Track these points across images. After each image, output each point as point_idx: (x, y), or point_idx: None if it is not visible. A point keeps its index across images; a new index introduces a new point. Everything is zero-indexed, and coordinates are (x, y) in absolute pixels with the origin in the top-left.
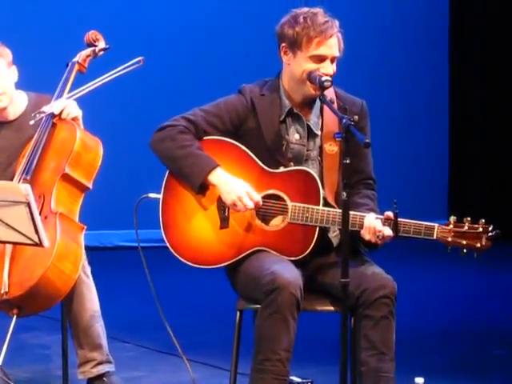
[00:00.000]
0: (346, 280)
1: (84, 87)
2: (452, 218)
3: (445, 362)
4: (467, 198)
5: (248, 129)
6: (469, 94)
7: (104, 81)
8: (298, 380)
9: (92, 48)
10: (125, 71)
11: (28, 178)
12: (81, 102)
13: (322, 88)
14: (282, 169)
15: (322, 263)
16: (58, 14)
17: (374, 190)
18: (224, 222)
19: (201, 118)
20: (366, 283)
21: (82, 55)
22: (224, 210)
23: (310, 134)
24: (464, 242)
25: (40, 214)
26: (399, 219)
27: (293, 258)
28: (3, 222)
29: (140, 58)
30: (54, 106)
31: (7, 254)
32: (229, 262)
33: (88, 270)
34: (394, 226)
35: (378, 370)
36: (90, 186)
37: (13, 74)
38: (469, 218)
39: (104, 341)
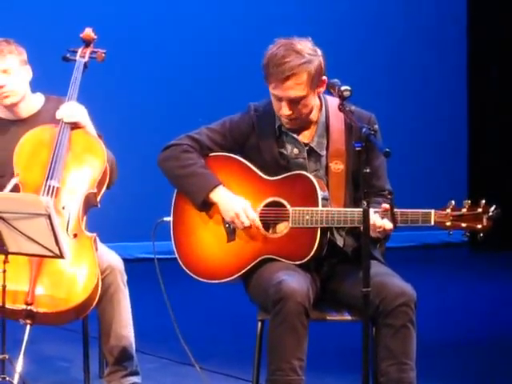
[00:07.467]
0: (368, 289)
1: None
2: (450, 202)
3: (464, 372)
4: (487, 187)
5: (250, 146)
6: (488, 79)
7: None
8: None
9: (90, 48)
10: None
11: (59, 186)
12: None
13: (342, 97)
14: (279, 176)
15: (337, 272)
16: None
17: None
18: (231, 236)
19: (205, 137)
20: (385, 291)
21: (86, 56)
22: (229, 223)
23: (313, 155)
24: (464, 225)
25: (67, 229)
26: (395, 210)
27: (298, 262)
28: (24, 235)
29: None
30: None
31: (34, 264)
32: (238, 274)
33: (125, 278)
34: (392, 217)
35: (399, 380)
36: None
37: (26, 72)
38: (469, 201)
39: (134, 352)
